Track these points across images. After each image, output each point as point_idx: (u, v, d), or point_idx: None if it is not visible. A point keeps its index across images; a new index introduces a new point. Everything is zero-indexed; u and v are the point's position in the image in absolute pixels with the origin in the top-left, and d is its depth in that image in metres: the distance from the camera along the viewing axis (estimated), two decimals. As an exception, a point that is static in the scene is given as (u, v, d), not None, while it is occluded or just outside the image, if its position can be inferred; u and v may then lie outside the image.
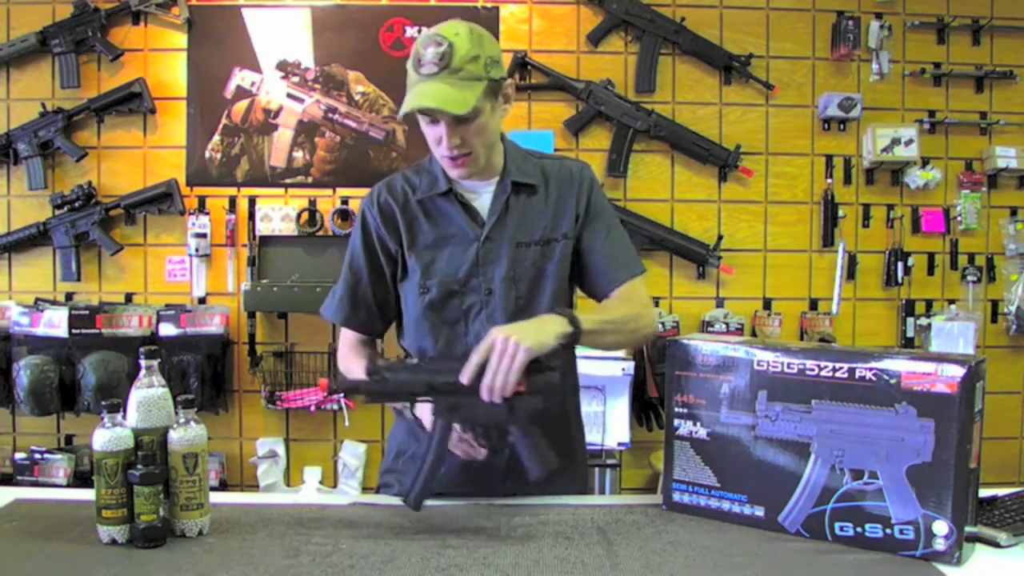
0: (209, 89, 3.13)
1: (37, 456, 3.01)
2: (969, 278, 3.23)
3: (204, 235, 3.09)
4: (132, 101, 3.07)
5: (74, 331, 2.93)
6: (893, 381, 1.25)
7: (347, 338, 1.64)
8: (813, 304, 3.23)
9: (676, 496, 1.47)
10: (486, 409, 1.32)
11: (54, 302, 3.08)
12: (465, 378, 1.30)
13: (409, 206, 1.54)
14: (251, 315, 3.12)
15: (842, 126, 3.21)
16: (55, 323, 2.94)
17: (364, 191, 3.08)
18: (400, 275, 1.56)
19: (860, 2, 3.19)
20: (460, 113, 1.37)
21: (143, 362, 1.31)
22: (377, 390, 1.37)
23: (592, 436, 2.66)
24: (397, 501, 1.52)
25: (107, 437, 1.26)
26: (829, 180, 3.20)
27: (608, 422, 2.77)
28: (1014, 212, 3.26)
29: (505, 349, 1.28)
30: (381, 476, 1.67)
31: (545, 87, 3.16)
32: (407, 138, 3.13)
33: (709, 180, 3.22)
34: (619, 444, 2.84)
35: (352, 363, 1.56)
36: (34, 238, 3.09)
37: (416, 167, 1.59)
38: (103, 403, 1.28)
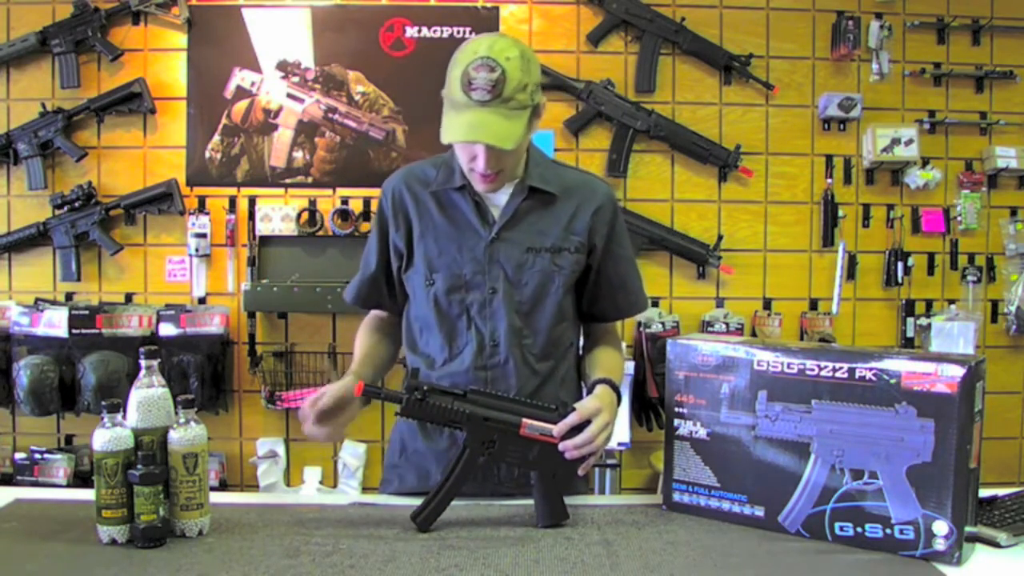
0: (209, 89, 3.12)
1: (37, 456, 3.01)
2: (969, 278, 3.22)
3: (204, 235, 3.09)
4: (132, 101, 3.07)
5: (74, 331, 2.93)
6: (893, 381, 1.25)
7: (370, 313, 1.70)
8: (813, 304, 3.22)
9: (676, 496, 1.47)
10: (516, 451, 1.38)
11: (54, 302, 3.07)
12: (557, 431, 1.37)
13: (423, 197, 1.56)
14: (251, 315, 3.11)
15: (842, 126, 3.21)
16: (55, 323, 2.94)
17: (364, 191, 3.14)
18: (406, 266, 1.58)
19: (860, 2, 3.19)
20: (508, 147, 1.39)
21: (143, 362, 1.31)
22: (414, 410, 1.38)
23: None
24: (397, 501, 1.52)
25: (107, 437, 1.26)
26: (829, 180, 3.20)
27: (608, 422, 2.77)
28: (1014, 212, 3.26)
29: (609, 422, 1.40)
30: (385, 471, 1.68)
31: (545, 87, 3.09)
32: (407, 138, 3.13)
33: (709, 180, 3.21)
34: (619, 444, 2.85)
35: (364, 340, 1.62)
36: (34, 238, 3.09)
37: (436, 160, 1.60)
38: (103, 403, 1.28)
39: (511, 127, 1.39)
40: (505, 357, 1.53)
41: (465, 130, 1.39)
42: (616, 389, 1.50)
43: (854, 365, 1.28)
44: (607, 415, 1.41)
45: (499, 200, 1.54)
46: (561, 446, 1.37)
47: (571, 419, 1.38)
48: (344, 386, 1.43)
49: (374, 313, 1.69)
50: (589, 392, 1.51)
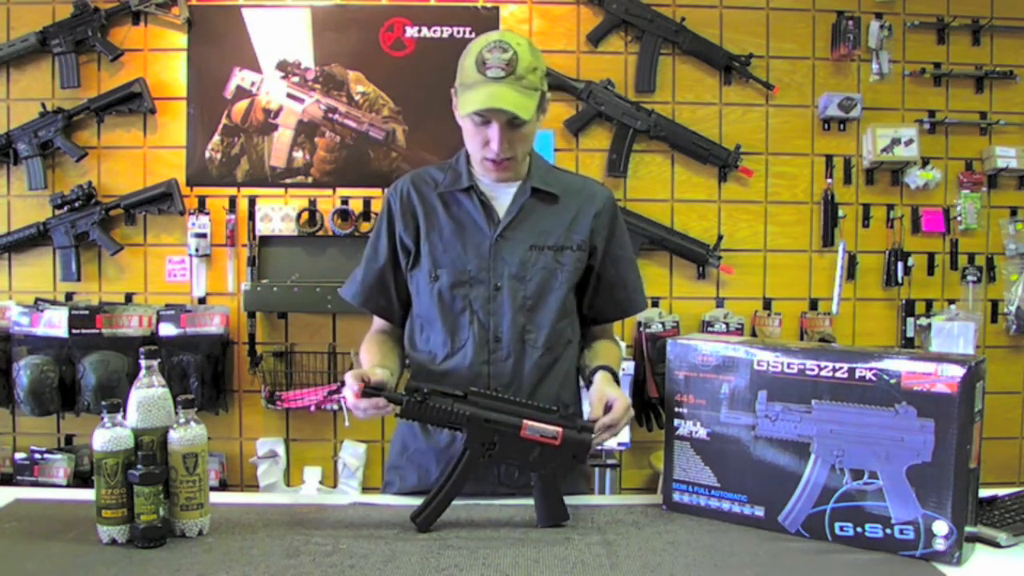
0: (209, 89, 3.12)
1: (37, 456, 3.01)
2: (969, 278, 3.23)
3: (204, 235, 3.09)
4: (132, 101, 3.07)
5: (74, 331, 2.93)
6: (893, 381, 1.25)
7: (373, 327, 1.71)
8: (813, 304, 3.22)
9: (676, 496, 1.47)
10: (516, 452, 1.39)
11: (54, 302, 3.07)
12: (608, 419, 1.43)
13: (430, 197, 1.61)
14: (251, 315, 3.11)
15: (842, 126, 3.21)
16: (55, 323, 2.94)
17: (364, 191, 3.14)
18: (412, 263, 1.61)
19: (860, 2, 3.19)
20: (526, 118, 1.46)
21: (143, 362, 1.31)
22: (414, 412, 1.38)
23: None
24: (397, 501, 1.53)
25: (107, 437, 1.26)
26: (829, 180, 3.20)
27: (608, 422, 2.77)
28: (1014, 212, 3.26)
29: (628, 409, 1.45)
30: (387, 472, 1.69)
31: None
32: (407, 138, 3.13)
33: (709, 180, 3.21)
34: (619, 444, 2.85)
35: (376, 347, 1.61)
36: (34, 238, 3.09)
37: (443, 165, 1.66)
38: (103, 403, 1.28)
39: (526, 100, 1.46)
40: (508, 352, 1.55)
41: (484, 99, 1.44)
42: (615, 376, 1.55)
43: (854, 365, 1.29)
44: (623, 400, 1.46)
45: (503, 200, 1.58)
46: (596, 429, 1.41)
47: (612, 414, 1.43)
48: (385, 372, 1.46)
49: (378, 325, 1.71)
50: (589, 380, 1.55)
